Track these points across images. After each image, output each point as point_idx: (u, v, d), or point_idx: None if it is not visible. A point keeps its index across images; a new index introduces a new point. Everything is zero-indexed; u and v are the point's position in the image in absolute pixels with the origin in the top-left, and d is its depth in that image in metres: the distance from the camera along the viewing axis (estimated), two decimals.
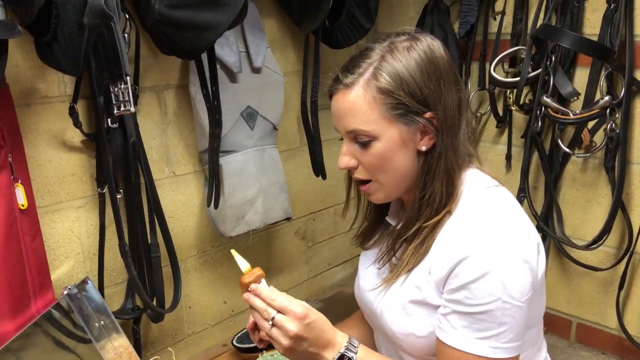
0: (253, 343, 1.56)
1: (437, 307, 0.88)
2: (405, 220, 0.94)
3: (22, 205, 1.11)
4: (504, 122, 1.71)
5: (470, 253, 0.83)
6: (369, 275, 1.06)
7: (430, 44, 0.90)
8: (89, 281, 1.29)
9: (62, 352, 1.20)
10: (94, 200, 1.34)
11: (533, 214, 1.63)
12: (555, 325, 1.75)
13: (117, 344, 1.35)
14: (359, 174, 0.94)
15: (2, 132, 1.05)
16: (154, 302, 1.39)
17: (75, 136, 1.28)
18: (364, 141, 0.89)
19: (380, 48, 0.89)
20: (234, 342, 1.59)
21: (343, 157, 0.93)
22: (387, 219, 1.04)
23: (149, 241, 1.37)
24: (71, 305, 1.27)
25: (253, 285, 0.93)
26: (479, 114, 1.75)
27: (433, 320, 0.89)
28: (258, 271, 0.97)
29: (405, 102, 0.86)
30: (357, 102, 0.88)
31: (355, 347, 0.90)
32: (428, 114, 0.88)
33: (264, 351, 1.51)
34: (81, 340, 1.29)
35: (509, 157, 1.73)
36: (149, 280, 1.40)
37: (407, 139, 0.88)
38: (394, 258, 0.97)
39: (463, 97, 0.92)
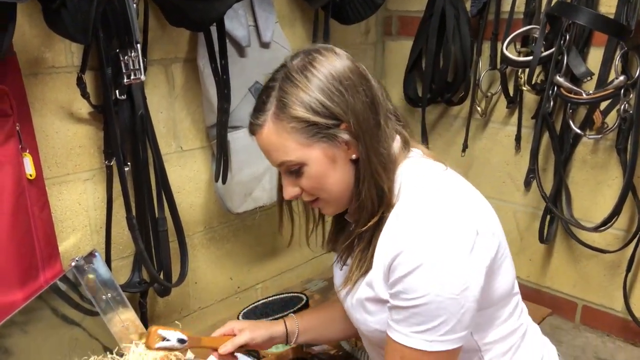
0: (259, 318, 1.57)
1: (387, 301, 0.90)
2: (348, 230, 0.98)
3: (30, 175, 1.10)
4: (514, 102, 1.69)
5: (404, 248, 0.83)
6: (338, 274, 1.07)
7: (324, 56, 0.89)
8: (96, 253, 1.29)
9: (69, 326, 1.21)
10: (101, 173, 1.33)
11: (542, 195, 1.61)
12: (560, 307, 1.74)
13: (124, 317, 1.35)
14: (305, 197, 0.96)
15: (10, 101, 1.04)
16: (161, 276, 1.39)
17: (83, 108, 1.27)
18: (295, 170, 0.91)
19: (278, 78, 0.90)
20: (241, 318, 1.59)
21: (286, 188, 0.96)
22: (346, 217, 1.03)
23: (157, 215, 1.36)
24: (78, 277, 1.28)
25: None
26: (489, 94, 1.73)
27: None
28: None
29: (314, 122, 0.87)
30: (272, 137, 0.90)
31: None
32: (342, 126, 0.88)
33: None
34: (88, 313, 1.29)
35: (518, 138, 1.72)
36: (156, 254, 1.40)
37: (333, 155, 0.89)
38: (349, 260, 0.99)
39: (375, 93, 0.91)
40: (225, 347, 1.11)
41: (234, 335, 1.14)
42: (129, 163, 1.30)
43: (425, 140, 1.83)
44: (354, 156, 0.90)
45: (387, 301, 0.89)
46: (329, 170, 0.90)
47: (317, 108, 0.86)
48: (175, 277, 1.44)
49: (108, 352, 1.28)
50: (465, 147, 1.80)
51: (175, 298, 1.58)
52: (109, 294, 1.32)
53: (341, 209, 0.98)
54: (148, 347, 1.06)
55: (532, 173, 1.62)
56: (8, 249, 1.06)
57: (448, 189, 0.89)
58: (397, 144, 0.93)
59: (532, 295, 1.79)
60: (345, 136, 0.88)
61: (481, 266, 0.84)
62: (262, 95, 0.92)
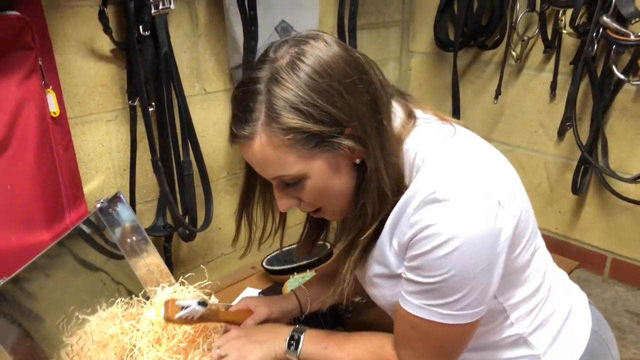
0: (283, 265, 1.56)
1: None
2: (337, 235, 0.93)
3: (54, 113, 1.06)
4: (552, 47, 1.60)
5: (423, 225, 0.76)
6: None
7: (315, 48, 0.76)
8: (120, 195, 1.26)
9: (93, 270, 1.19)
10: (124, 113, 1.30)
11: (578, 144, 1.55)
12: (588, 260, 1.71)
13: (149, 261, 1.34)
14: (305, 209, 0.87)
15: (32, 33, 0.99)
16: (186, 221, 1.37)
17: (105, 45, 1.22)
18: (293, 182, 0.81)
19: (263, 79, 0.76)
20: (264, 264, 1.58)
21: (280, 201, 0.85)
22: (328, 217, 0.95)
23: (182, 158, 1.33)
24: (103, 220, 1.26)
25: None
26: (525, 38, 1.65)
27: None
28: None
29: (314, 131, 0.75)
30: (266, 152, 0.77)
31: (301, 328, 0.96)
32: (346, 131, 0.77)
33: (295, 273, 1.51)
34: (112, 257, 1.28)
35: (554, 86, 1.64)
36: (181, 199, 1.37)
37: (337, 164, 0.79)
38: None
39: (375, 86, 0.79)
40: (247, 324, 1.09)
41: (249, 310, 1.12)
42: (152, 103, 1.26)
43: (455, 88, 1.76)
44: (357, 160, 0.81)
45: (401, 274, 0.84)
46: (332, 180, 0.81)
47: (316, 115, 0.74)
48: (199, 222, 1.43)
49: (134, 296, 1.27)
50: (498, 93, 1.73)
51: (199, 244, 1.57)
52: (133, 238, 1.30)
53: (346, 214, 0.88)
54: (168, 320, 0.99)
55: (569, 121, 1.56)
56: (33, 187, 1.04)
57: (462, 159, 0.80)
58: (398, 120, 0.84)
59: (560, 247, 1.75)
60: (349, 142, 0.77)
61: (504, 240, 0.78)
62: (244, 99, 0.78)
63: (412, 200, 0.78)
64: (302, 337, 0.95)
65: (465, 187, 0.76)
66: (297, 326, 0.97)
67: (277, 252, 1.64)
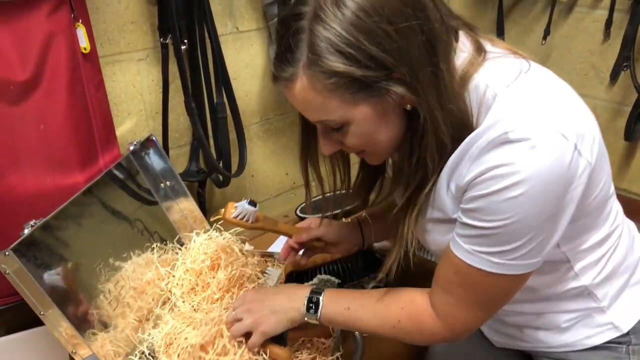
0: (317, 214, 1.52)
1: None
2: (391, 187, 0.85)
3: (85, 49, 1.01)
4: None
5: (489, 165, 0.69)
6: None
7: None
8: (153, 139, 1.22)
9: (126, 216, 1.16)
10: (155, 53, 1.24)
11: (635, 86, 1.45)
12: (637, 211, 1.63)
13: (183, 207, 1.31)
14: (349, 151, 0.85)
15: None
16: (220, 165, 1.33)
17: None
18: (337, 127, 0.76)
19: (306, 15, 0.69)
20: (298, 213, 1.54)
21: (325, 145, 0.80)
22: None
23: (215, 100, 1.27)
24: (135, 164, 1.22)
25: None
26: None
27: None
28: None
29: (359, 76, 0.68)
30: (307, 96, 0.72)
31: (319, 289, 0.89)
32: (394, 75, 0.69)
33: None
34: (145, 202, 1.25)
35: (608, 24, 1.53)
36: (215, 143, 1.33)
37: (384, 110, 0.73)
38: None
39: (432, 23, 0.70)
40: (300, 237, 1.07)
41: (309, 228, 1.10)
42: (185, 41, 1.20)
43: (500, 28, 1.66)
44: (408, 106, 0.73)
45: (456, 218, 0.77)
46: (379, 126, 0.75)
47: (361, 58, 0.68)
48: (233, 168, 1.38)
49: (168, 241, 1.25)
50: (546, 34, 1.62)
51: (233, 190, 1.53)
52: (167, 183, 1.27)
53: (388, 158, 0.86)
54: (225, 219, 1.05)
55: (626, 61, 1.45)
56: (66, 128, 1.00)
57: (539, 97, 0.72)
58: (465, 55, 0.75)
59: None
60: (397, 88, 0.70)
61: (575, 189, 0.70)
62: (286, 37, 0.71)
63: (479, 139, 0.71)
64: (321, 298, 0.88)
65: (542, 128, 0.68)
66: (315, 286, 0.91)
67: (312, 199, 1.60)
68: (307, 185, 0.95)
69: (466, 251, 0.75)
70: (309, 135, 0.88)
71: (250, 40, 1.41)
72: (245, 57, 1.42)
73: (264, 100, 1.51)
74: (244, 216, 1.04)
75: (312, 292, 0.89)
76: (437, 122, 0.72)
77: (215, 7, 1.29)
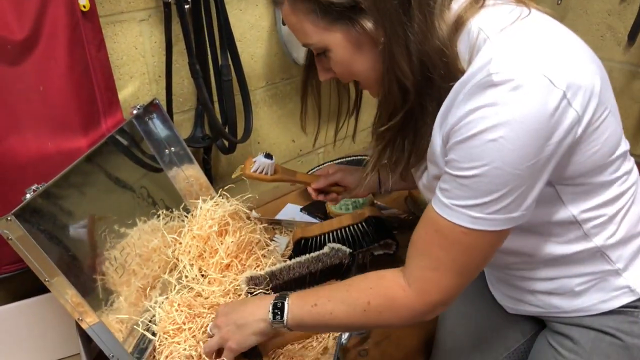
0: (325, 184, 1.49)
1: None
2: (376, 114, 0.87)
3: (84, 7, 0.96)
4: None
5: (466, 110, 0.67)
6: None
7: None
8: (157, 102, 1.18)
9: (130, 183, 1.13)
10: (157, 13, 1.19)
11: None
12: None
13: (189, 173, 1.28)
14: (343, 80, 0.88)
15: None
16: (226, 131, 1.30)
17: None
18: (322, 53, 0.81)
19: None
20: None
21: (319, 71, 0.88)
22: None
23: (220, 62, 1.23)
24: (139, 129, 1.19)
25: None
26: None
27: None
28: None
29: (329, 3, 0.73)
30: (290, 19, 0.80)
31: (284, 295, 0.86)
32: (360, 6, 0.72)
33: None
34: (150, 169, 1.22)
35: None
36: (220, 107, 1.29)
37: (357, 40, 0.76)
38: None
39: None
40: (318, 183, 1.14)
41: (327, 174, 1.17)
42: (188, 0, 1.15)
43: None
44: (382, 38, 0.74)
45: None
46: (354, 56, 0.78)
47: None
48: (239, 133, 1.35)
49: (174, 209, 1.22)
50: None
51: (238, 157, 1.50)
52: (172, 149, 1.24)
53: (380, 91, 0.83)
54: (245, 175, 1.12)
55: None
56: (67, 89, 0.96)
57: (532, 41, 0.69)
58: (462, 1, 0.74)
59: None
60: (365, 22, 0.74)
61: (561, 138, 0.67)
62: None
63: (466, 85, 0.69)
64: (285, 302, 0.84)
65: (527, 70, 0.65)
66: (280, 293, 0.87)
67: (317, 167, 1.57)
68: (304, 105, 1.01)
69: (446, 206, 0.72)
70: (310, 66, 0.94)
71: (255, 1, 1.36)
72: (250, 18, 1.37)
73: (270, 64, 1.46)
74: (263, 169, 1.11)
75: (276, 298, 0.86)
76: (396, 60, 0.72)
77: None
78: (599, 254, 0.82)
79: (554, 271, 0.86)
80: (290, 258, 1.15)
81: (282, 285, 1.06)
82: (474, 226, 0.70)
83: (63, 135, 0.97)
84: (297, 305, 0.84)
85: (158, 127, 1.21)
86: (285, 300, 0.85)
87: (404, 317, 0.78)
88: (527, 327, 0.98)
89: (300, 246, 1.22)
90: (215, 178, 1.45)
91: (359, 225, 1.23)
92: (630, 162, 0.82)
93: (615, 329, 0.85)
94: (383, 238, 1.19)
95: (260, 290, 1.02)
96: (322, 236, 1.22)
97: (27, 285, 1.04)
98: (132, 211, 1.10)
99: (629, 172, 0.81)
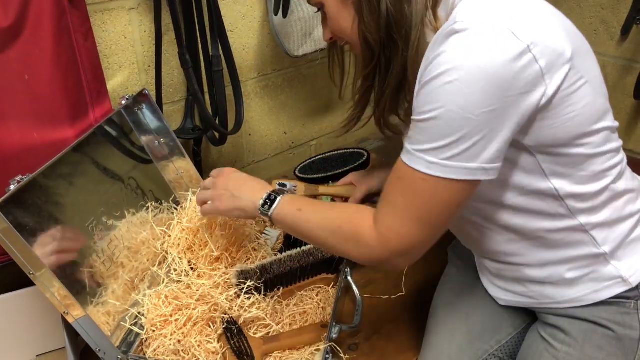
0: (317, 174, 1.49)
1: None
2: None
3: None
4: None
5: (429, 59, 0.70)
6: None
7: None
8: (146, 92, 1.16)
9: (119, 174, 1.12)
10: (147, 2, 1.17)
11: None
12: None
13: (179, 165, 1.26)
14: (339, 40, 0.92)
15: None
16: (217, 122, 1.28)
17: None
18: (321, 10, 0.88)
19: None
20: (297, 173, 1.50)
21: (323, 32, 0.92)
22: None
23: (210, 52, 1.21)
24: (128, 120, 1.17)
25: None
26: None
27: None
28: None
29: None
30: None
31: (281, 192, 0.91)
32: None
33: (330, 182, 1.43)
34: (139, 160, 1.20)
35: None
36: (211, 98, 1.27)
37: None
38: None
39: None
40: (355, 196, 1.21)
41: (352, 184, 1.23)
42: None
43: None
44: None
45: None
46: (340, 12, 0.84)
47: None
48: (230, 125, 1.33)
49: (163, 201, 1.21)
50: None
51: (229, 149, 1.48)
52: (161, 140, 1.22)
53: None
54: None
55: (639, 14, 1.39)
56: (53, 78, 0.94)
57: (503, 2, 0.71)
58: None
59: None
60: None
61: (523, 90, 0.68)
62: None
63: (437, 39, 0.72)
64: (279, 198, 0.89)
65: (492, 21, 0.67)
66: (278, 188, 0.93)
67: (310, 160, 1.55)
68: (330, 65, 1.02)
69: (407, 152, 0.73)
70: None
71: None
72: (242, 7, 1.35)
73: (262, 55, 1.45)
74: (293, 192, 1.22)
75: (273, 192, 0.91)
76: (366, 20, 0.78)
77: None
78: (584, 234, 0.83)
79: (543, 254, 0.86)
80: (281, 251, 1.14)
81: (273, 279, 1.05)
82: (430, 171, 0.71)
83: (49, 126, 0.96)
84: (286, 204, 0.89)
85: (147, 117, 1.19)
86: (279, 196, 0.90)
87: (363, 254, 0.81)
88: (518, 320, 0.98)
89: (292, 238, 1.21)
90: (206, 170, 1.43)
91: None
92: (616, 142, 0.82)
93: (608, 320, 0.85)
94: None
95: (251, 284, 1.01)
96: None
97: (12, 278, 1.02)
98: (121, 203, 1.09)
99: (614, 151, 0.81)
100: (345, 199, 1.25)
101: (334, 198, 1.27)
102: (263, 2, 1.37)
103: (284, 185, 1.20)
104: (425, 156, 0.71)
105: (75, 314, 0.85)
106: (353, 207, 0.87)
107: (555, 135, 0.74)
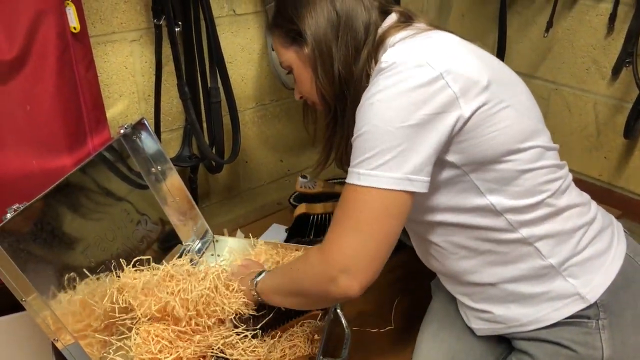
0: (313, 202, 1.51)
1: None
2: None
3: (74, 28, 0.98)
4: None
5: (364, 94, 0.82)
6: None
7: None
8: (145, 122, 1.19)
9: (115, 200, 1.14)
10: (149, 34, 1.21)
11: (637, 83, 1.43)
12: (633, 209, 1.61)
13: (174, 192, 1.28)
14: (307, 98, 0.99)
15: None
16: (213, 151, 1.31)
17: None
18: (288, 71, 0.98)
19: None
20: (291, 201, 1.52)
21: (295, 91, 1.02)
22: None
23: (209, 84, 1.25)
24: (126, 147, 1.19)
25: None
26: None
27: None
28: None
29: (286, 29, 0.92)
30: (273, 42, 0.98)
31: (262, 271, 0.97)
32: (302, 32, 0.90)
33: None
34: (136, 186, 1.23)
35: (612, 18, 1.49)
36: (208, 128, 1.30)
37: (305, 59, 0.92)
38: None
39: (346, 6, 0.88)
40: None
41: None
42: (179, 23, 1.17)
43: (502, 19, 1.62)
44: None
45: None
46: (304, 73, 0.93)
47: (287, 17, 0.92)
48: (226, 153, 1.36)
49: (158, 225, 1.23)
50: (549, 26, 1.59)
51: (226, 176, 1.51)
52: (158, 167, 1.24)
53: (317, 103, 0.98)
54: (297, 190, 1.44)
55: (629, 57, 1.42)
56: (54, 109, 0.97)
57: (426, 41, 0.84)
58: (387, 24, 0.89)
59: (603, 195, 1.65)
60: (307, 45, 0.90)
61: (438, 111, 0.77)
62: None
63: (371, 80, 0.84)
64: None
65: (410, 56, 0.79)
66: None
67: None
68: (304, 117, 1.11)
69: (349, 172, 0.81)
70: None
71: (247, 24, 1.38)
72: (242, 40, 1.39)
73: (260, 85, 1.48)
74: (305, 186, 1.37)
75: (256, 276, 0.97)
76: (322, 80, 0.89)
77: None
78: (529, 246, 0.87)
79: (497, 270, 0.90)
80: (288, 230, 1.30)
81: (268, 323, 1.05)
82: (360, 182, 0.78)
83: (48, 154, 0.98)
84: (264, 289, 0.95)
85: (145, 145, 1.21)
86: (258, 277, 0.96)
87: (313, 278, 0.84)
88: (498, 349, 1.01)
89: (302, 221, 1.35)
90: (201, 197, 1.46)
91: None
92: (552, 160, 0.88)
93: (571, 341, 0.88)
94: None
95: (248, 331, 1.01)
96: (326, 215, 1.35)
97: (5, 301, 1.04)
98: (115, 231, 1.10)
99: (548, 168, 0.87)
100: None
101: None
102: (262, 35, 1.41)
103: (305, 177, 1.36)
104: (357, 169, 0.79)
105: (64, 340, 0.86)
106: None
107: (482, 152, 0.82)
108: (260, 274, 0.97)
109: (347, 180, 0.80)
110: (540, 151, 0.86)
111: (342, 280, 0.79)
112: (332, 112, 0.93)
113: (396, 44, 0.85)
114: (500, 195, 0.85)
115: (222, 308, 0.98)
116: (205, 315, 0.98)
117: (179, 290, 0.99)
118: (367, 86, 0.84)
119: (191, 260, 1.14)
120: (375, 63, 0.87)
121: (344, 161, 0.97)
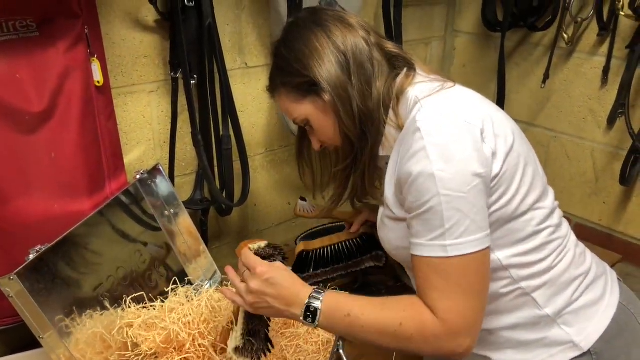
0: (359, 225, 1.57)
1: (404, 219, 0.88)
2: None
3: (98, 82, 1.06)
4: (606, 30, 1.53)
5: (408, 156, 0.83)
6: None
7: (300, 27, 0.95)
8: (160, 167, 1.27)
9: (129, 241, 1.20)
10: (166, 85, 1.29)
11: (630, 133, 1.49)
12: (633, 254, 1.65)
13: (185, 234, 1.34)
14: (328, 145, 1.03)
15: (79, 1, 0.99)
16: (223, 195, 1.37)
17: (150, 15, 1.21)
18: (304, 125, 1.01)
19: (275, 53, 1.02)
20: (298, 242, 1.57)
21: (312, 142, 1.05)
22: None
23: (221, 133, 1.32)
24: (141, 191, 1.26)
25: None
26: (579, 19, 1.57)
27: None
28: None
29: (296, 82, 0.95)
30: (279, 104, 1.02)
31: (320, 293, 0.87)
32: (316, 83, 0.92)
33: None
34: (149, 228, 1.29)
35: (606, 71, 1.57)
36: (219, 173, 1.37)
37: (323, 108, 0.94)
38: None
39: (353, 49, 0.92)
40: (355, 226, 1.32)
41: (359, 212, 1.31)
42: (194, 76, 1.25)
43: (502, 70, 1.70)
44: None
45: (404, 219, 0.88)
46: (325, 121, 0.95)
47: (293, 68, 0.94)
48: (236, 197, 1.42)
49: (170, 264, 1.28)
50: (546, 77, 1.66)
51: (235, 219, 1.57)
52: (171, 210, 1.31)
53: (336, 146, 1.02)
54: (295, 214, 1.39)
55: (622, 108, 1.49)
56: (77, 156, 1.05)
57: (452, 99, 0.89)
58: (400, 78, 0.94)
59: (603, 239, 1.69)
60: (324, 92, 0.92)
61: (486, 165, 0.82)
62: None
63: (405, 136, 0.87)
64: (319, 307, 0.86)
65: (452, 116, 0.84)
66: (315, 291, 0.88)
67: (311, 230, 1.63)
68: (299, 169, 1.20)
69: (422, 246, 0.82)
70: (302, 139, 1.14)
71: (258, 76, 1.46)
72: (253, 91, 1.47)
73: (270, 133, 1.56)
74: (303, 209, 1.38)
75: (310, 298, 0.86)
76: (344, 121, 0.92)
77: (226, 43, 1.35)
78: (527, 296, 0.91)
79: (494, 319, 0.93)
80: (292, 269, 1.24)
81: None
82: (449, 254, 0.80)
83: (69, 198, 1.05)
84: (330, 311, 0.86)
85: (159, 189, 1.28)
86: (318, 303, 0.86)
87: (432, 345, 0.83)
88: None
89: (302, 258, 1.36)
90: (212, 239, 1.52)
91: (355, 240, 1.37)
92: (557, 219, 0.94)
93: None
94: (374, 250, 1.33)
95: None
96: (323, 249, 1.38)
97: (24, 337, 1.08)
98: (127, 270, 1.16)
99: (556, 226, 0.93)
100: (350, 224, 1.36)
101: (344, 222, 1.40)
102: None
103: (304, 200, 1.37)
104: (439, 242, 0.80)
105: None
106: (404, 299, 0.87)
107: (498, 211, 0.86)
108: (312, 312, 0.86)
109: (429, 254, 0.81)
110: (549, 211, 0.91)
111: (466, 342, 0.82)
112: (354, 152, 0.96)
113: (423, 100, 0.88)
114: (508, 252, 0.89)
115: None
116: (206, 332, 1.07)
117: (178, 319, 1.06)
118: (385, 120, 0.91)
119: (187, 297, 1.20)
120: (394, 109, 0.92)
121: (358, 198, 1.05)
